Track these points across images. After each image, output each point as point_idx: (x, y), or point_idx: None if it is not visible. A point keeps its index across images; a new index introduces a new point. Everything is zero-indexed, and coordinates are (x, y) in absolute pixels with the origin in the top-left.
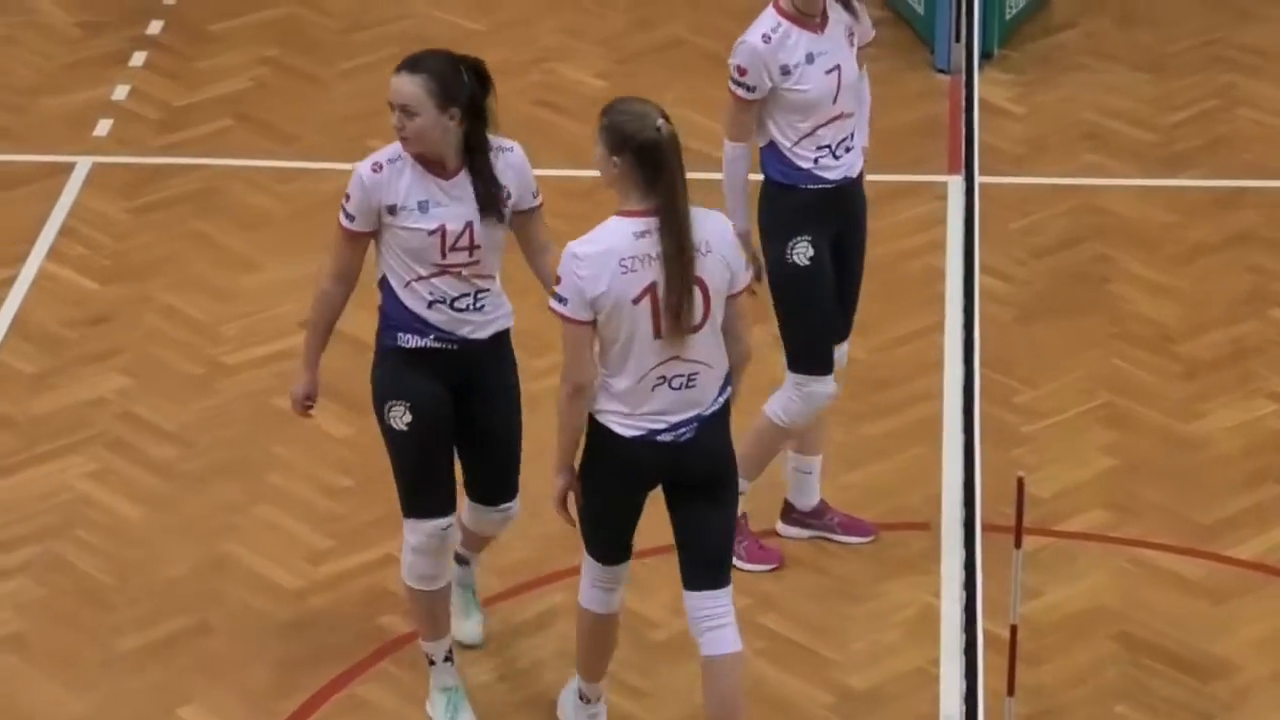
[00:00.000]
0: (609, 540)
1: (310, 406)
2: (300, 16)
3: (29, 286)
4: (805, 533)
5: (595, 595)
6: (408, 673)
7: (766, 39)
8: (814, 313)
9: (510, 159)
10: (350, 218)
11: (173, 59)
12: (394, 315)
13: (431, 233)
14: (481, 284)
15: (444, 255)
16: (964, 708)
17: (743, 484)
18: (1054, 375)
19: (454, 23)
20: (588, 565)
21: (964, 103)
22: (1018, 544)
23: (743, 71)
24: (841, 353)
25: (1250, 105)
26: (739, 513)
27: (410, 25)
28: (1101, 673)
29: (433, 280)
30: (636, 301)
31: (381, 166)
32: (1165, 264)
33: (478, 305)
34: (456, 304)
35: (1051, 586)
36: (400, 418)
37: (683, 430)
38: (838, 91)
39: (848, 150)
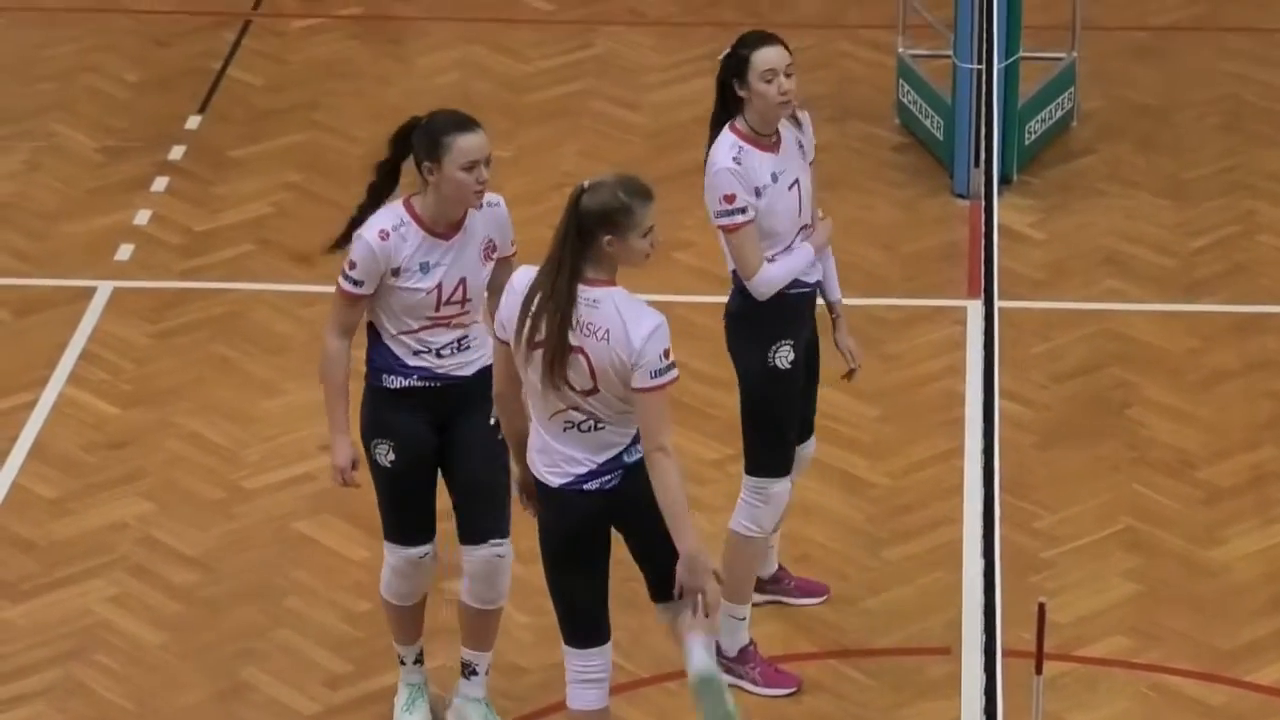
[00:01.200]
0: (580, 617)
1: (355, 471)
2: (322, 142)
3: (50, 411)
4: (762, 598)
5: (579, 693)
6: None
7: (736, 160)
8: (787, 415)
9: (498, 213)
10: (356, 283)
11: (194, 184)
12: (378, 359)
13: (429, 291)
14: (467, 329)
15: (438, 309)
16: None
17: (739, 609)
18: (1074, 500)
19: None
20: (569, 659)
21: (984, 227)
22: (1038, 670)
23: (730, 199)
24: (809, 453)
25: (1271, 231)
26: (747, 640)
27: None
28: None
29: (421, 333)
30: (533, 348)
31: (389, 233)
32: (1186, 389)
33: (462, 348)
34: (441, 352)
35: (1073, 713)
36: (384, 455)
37: (608, 478)
38: (800, 205)
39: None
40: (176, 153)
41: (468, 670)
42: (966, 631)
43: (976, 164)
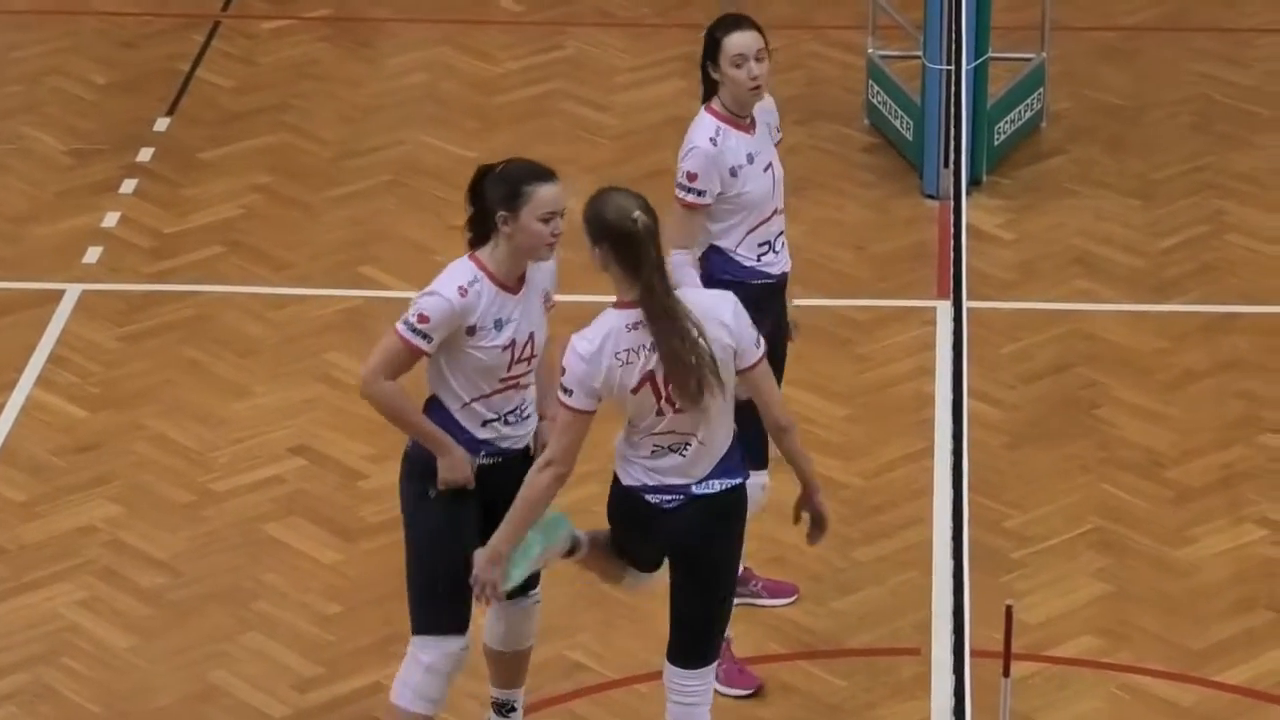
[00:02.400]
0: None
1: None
2: (291, 144)
3: (18, 414)
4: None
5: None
6: None
7: (714, 141)
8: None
9: (549, 265)
10: (427, 338)
11: (163, 186)
12: (449, 433)
13: (505, 349)
14: (525, 391)
15: (510, 369)
16: None
17: None
18: (1044, 501)
19: (446, 150)
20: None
21: (953, 228)
22: (1005, 672)
23: (693, 177)
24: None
25: (1240, 231)
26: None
27: (402, 152)
28: None
29: (493, 398)
30: (635, 391)
31: (467, 290)
32: (1155, 390)
33: (524, 414)
34: (509, 418)
35: (1043, 713)
36: (443, 503)
37: (668, 498)
38: (773, 187)
39: (783, 247)
40: (145, 155)
41: (505, 709)
42: (937, 632)
43: (946, 164)
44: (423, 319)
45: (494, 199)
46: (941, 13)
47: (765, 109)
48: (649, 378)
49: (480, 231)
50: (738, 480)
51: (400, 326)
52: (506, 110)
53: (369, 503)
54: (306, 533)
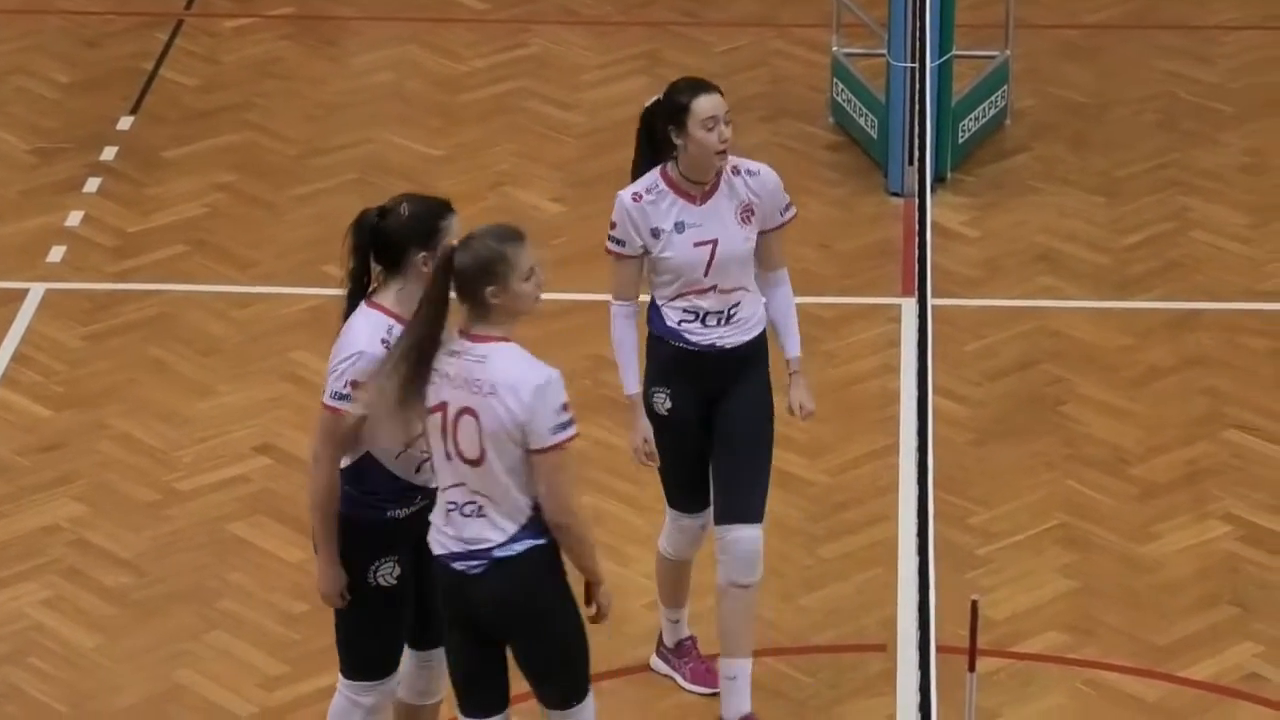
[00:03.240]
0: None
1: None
2: (256, 143)
3: None
4: (662, 667)
5: None
6: None
7: (637, 198)
8: (675, 462)
9: None
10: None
11: (127, 185)
12: (379, 489)
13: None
14: None
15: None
16: None
17: (671, 612)
18: (1009, 497)
19: (411, 148)
20: None
21: (918, 225)
22: (971, 667)
23: (611, 225)
24: (740, 536)
25: (1204, 228)
26: (685, 635)
27: (367, 151)
28: None
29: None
30: (431, 411)
31: (388, 339)
32: (1120, 386)
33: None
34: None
35: (1008, 708)
36: (390, 574)
37: (473, 564)
38: (709, 266)
39: (725, 322)
40: (108, 154)
41: None
42: (902, 628)
43: (910, 162)
44: (355, 385)
45: (409, 239)
46: (906, 10)
47: (765, 189)
48: (441, 408)
49: (362, 283)
50: (535, 534)
51: (330, 401)
52: (472, 108)
53: None
54: (272, 531)
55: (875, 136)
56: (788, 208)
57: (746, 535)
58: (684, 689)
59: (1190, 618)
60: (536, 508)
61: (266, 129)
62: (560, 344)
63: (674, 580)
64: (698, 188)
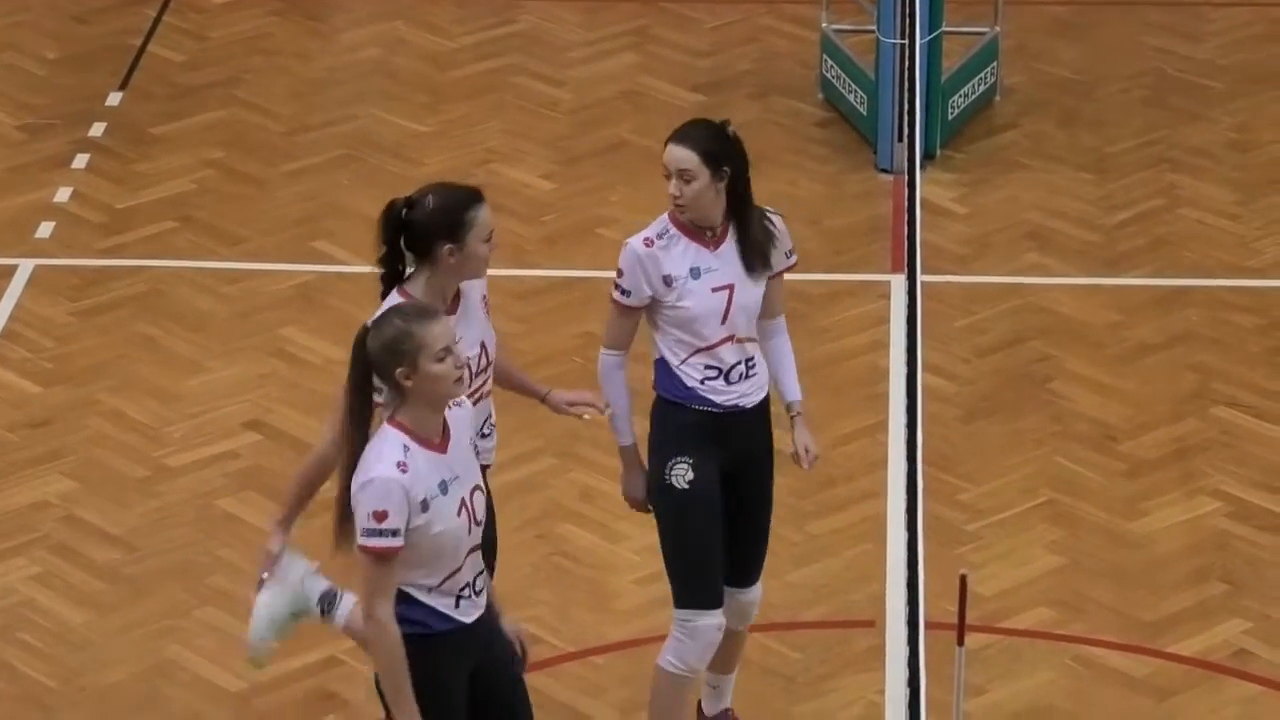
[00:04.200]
0: None
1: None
2: (244, 119)
3: None
4: None
5: None
6: None
7: (649, 243)
8: (696, 541)
9: None
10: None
11: (115, 161)
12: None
13: (459, 368)
14: (491, 400)
15: (471, 383)
16: None
17: (718, 679)
18: (997, 473)
19: (400, 124)
20: None
21: (907, 202)
22: (960, 641)
23: (619, 274)
24: (749, 599)
25: (1192, 205)
26: (728, 704)
27: (356, 127)
28: None
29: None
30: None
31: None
32: (1108, 363)
33: (491, 428)
34: (484, 429)
35: (996, 684)
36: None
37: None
38: (727, 312)
39: (745, 377)
40: (97, 130)
41: None
42: (891, 604)
43: (900, 139)
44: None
45: (435, 233)
46: None
47: (779, 233)
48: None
49: (398, 268)
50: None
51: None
52: (460, 85)
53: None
54: (261, 507)
55: (865, 113)
56: (791, 253)
57: (757, 594)
58: None
59: (1179, 594)
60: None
61: (255, 105)
62: (549, 321)
63: (678, 705)
64: (704, 233)
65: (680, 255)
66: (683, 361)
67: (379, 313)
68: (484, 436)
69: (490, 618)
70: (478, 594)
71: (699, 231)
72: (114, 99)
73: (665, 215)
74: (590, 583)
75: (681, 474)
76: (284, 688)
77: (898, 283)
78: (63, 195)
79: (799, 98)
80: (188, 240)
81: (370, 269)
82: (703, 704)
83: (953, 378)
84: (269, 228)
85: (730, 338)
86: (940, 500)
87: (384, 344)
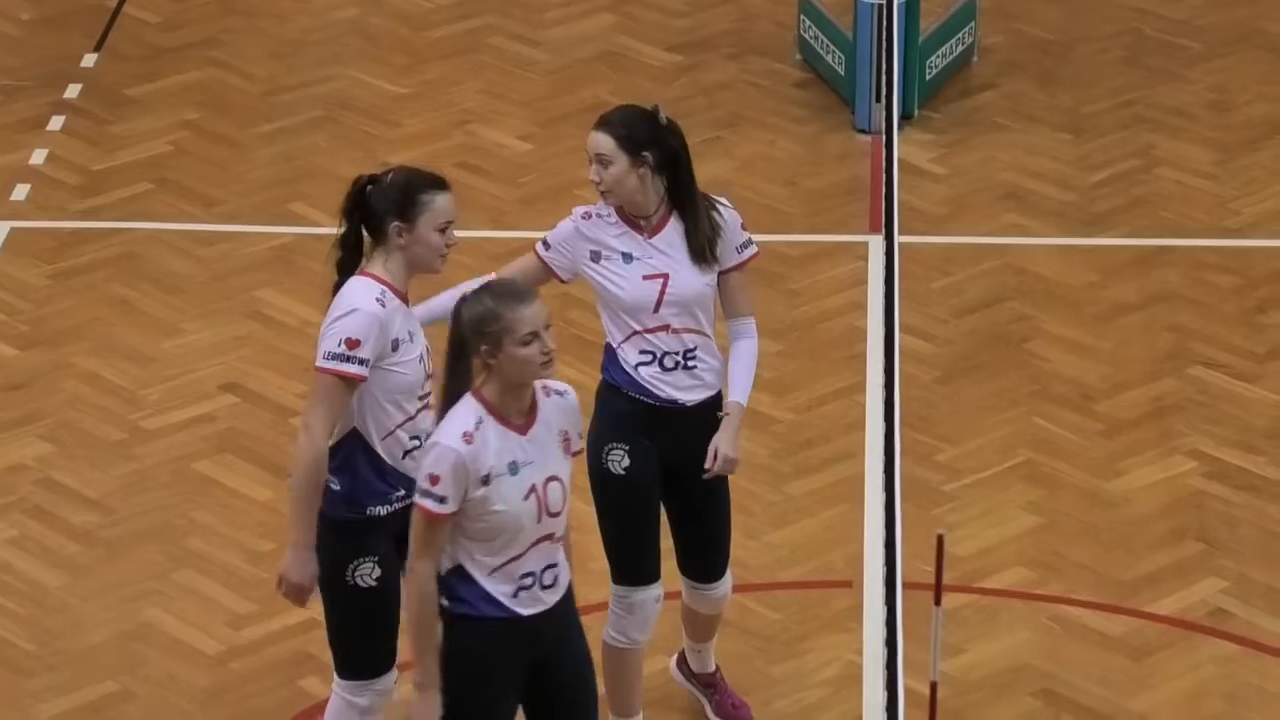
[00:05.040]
0: None
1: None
2: (220, 80)
3: None
4: (689, 686)
5: None
6: None
7: (587, 216)
8: (630, 523)
9: None
10: (362, 363)
11: (91, 123)
12: (365, 482)
13: (420, 360)
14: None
15: (424, 385)
16: None
17: (699, 645)
18: (975, 434)
19: (377, 85)
20: None
21: (885, 163)
22: (937, 601)
23: (554, 230)
24: (717, 595)
25: (1170, 165)
26: (713, 668)
27: (332, 88)
28: None
29: (416, 419)
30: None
31: (383, 300)
32: (1086, 323)
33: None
34: (422, 440)
35: (974, 644)
36: (369, 574)
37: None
38: (659, 302)
39: (682, 368)
40: (72, 91)
41: None
42: (868, 564)
43: (878, 99)
44: (352, 343)
45: (387, 210)
46: None
47: (727, 226)
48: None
49: (354, 251)
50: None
51: (325, 363)
52: (437, 46)
53: None
54: (238, 470)
55: (843, 74)
56: (746, 245)
57: (726, 587)
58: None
59: (1156, 553)
60: (453, 573)
61: (231, 66)
62: None
63: (626, 676)
64: (639, 220)
65: (612, 238)
66: (620, 342)
67: (474, 288)
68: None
69: (564, 614)
70: (545, 588)
71: (633, 219)
72: (89, 60)
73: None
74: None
75: (618, 460)
76: (262, 650)
77: (875, 243)
78: (38, 158)
79: (777, 58)
80: (164, 202)
81: None
82: (689, 662)
83: (930, 338)
84: (245, 190)
85: (665, 327)
86: (918, 461)
87: (470, 322)
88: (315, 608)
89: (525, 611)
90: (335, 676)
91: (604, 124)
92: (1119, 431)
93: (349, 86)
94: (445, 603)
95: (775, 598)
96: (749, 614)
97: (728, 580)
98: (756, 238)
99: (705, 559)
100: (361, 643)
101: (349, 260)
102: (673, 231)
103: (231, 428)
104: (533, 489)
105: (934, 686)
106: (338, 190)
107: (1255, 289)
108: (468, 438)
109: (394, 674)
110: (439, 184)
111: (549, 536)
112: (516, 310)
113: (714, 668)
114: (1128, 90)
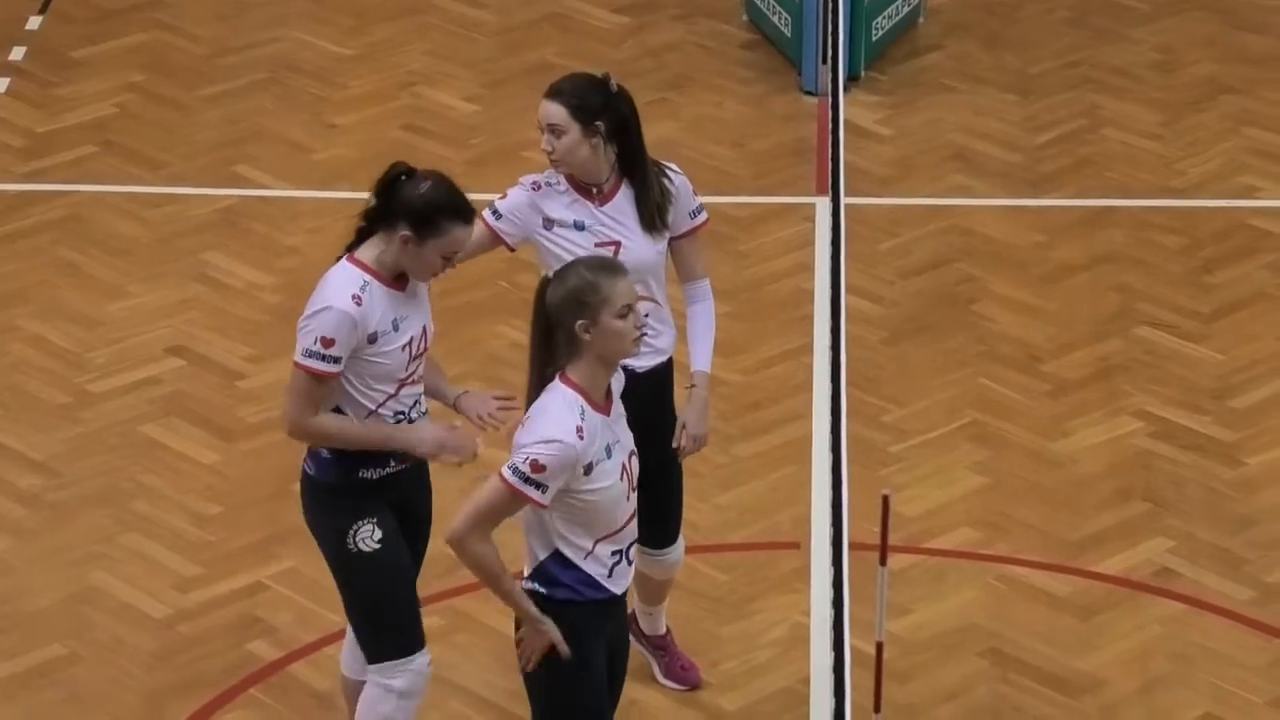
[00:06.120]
0: None
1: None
2: (165, 42)
3: None
4: (639, 647)
5: None
6: (276, 700)
7: (537, 186)
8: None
9: None
10: (335, 360)
11: (36, 86)
12: (350, 451)
13: (404, 348)
14: (421, 386)
15: (407, 368)
16: None
17: (651, 608)
18: (922, 395)
19: (323, 47)
20: None
21: (831, 124)
22: (882, 561)
23: (503, 197)
24: (679, 554)
25: (1115, 125)
26: (664, 630)
27: (278, 50)
28: (971, 689)
29: (399, 395)
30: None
31: (361, 297)
32: (1032, 284)
33: (423, 409)
34: (411, 414)
35: (921, 604)
36: (370, 536)
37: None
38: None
39: (654, 331)
40: (17, 54)
41: None
42: (815, 525)
43: (824, 61)
44: (326, 342)
45: (404, 211)
46: None
47: (679, 192)
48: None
49: (370, 230)
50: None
51: (304, 360)
52: (383, 7)
53: (248, 403)
54: (184, 433)
55: (789, 35)
56: (698, 211)
57: (679, 552)
58: (657, 680)
59: (1102, 513)
60: (551, 560)
61: (176, 28)
62: None
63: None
64: (588, 189)
65: (566, 206)
66: None
67: (562, 266)
68: (410, 420)
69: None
70: (630, 564)
71: (584, 187)
72: (34, 23)
73: (552, 168)
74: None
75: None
76: (209, 613)
77: (822, 205)
78: None
79: (723, 19)
80: (109, 165)
81: (293, 192)
82: (640, 623)
83: (877, 300)
84: (191, 152)
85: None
86: (865, 422)
87: (567, 294)
88: (260, 569)
89: (618, 589)
90: (368, 667)
91: (555, 93)
92: (1065, 392)
93: (294, 48)
94: (543, 590)
95: (723, 559)
96: (697, 575)
97: (680, 545)
98: (703, 199)
99: (658, 525)
100: (381, 614)
101: (364, 232)
102: (624, 199)
103: (178, 390)
104: (623, 468)
105: (880, 647)
106: (283, 152)
107: (1201, 249)
108: (580, 432)
109: (427, 657)
110: (465, 215)
111: (634, 513)
112: (614, 282)
113: (665, 630)
114: (1073, 51)
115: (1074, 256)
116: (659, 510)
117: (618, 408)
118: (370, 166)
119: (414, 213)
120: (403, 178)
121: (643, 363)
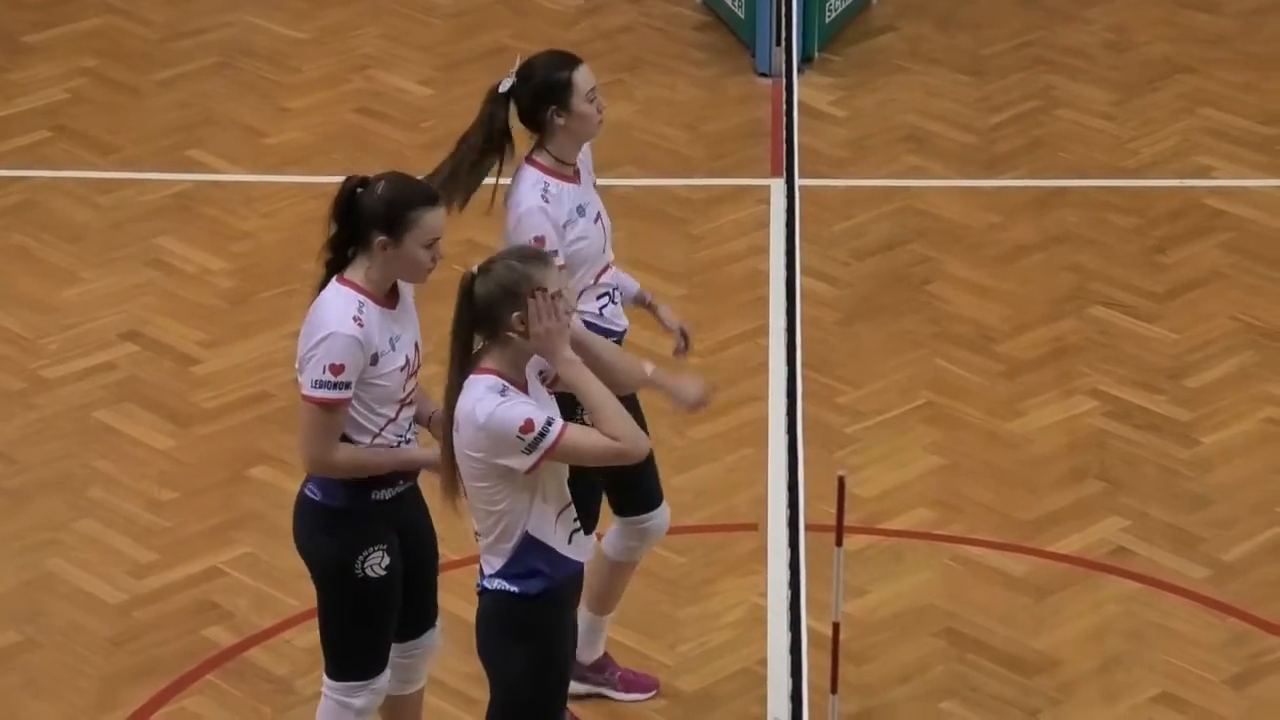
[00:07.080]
0: None
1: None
2: (117, 26)
3: None
4: (584, 687)
5: None
6: (233, 685)
7: (545, 198)
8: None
9: None
10: (347, 386)
11: None
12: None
13: (402, 368)
14: (414, 406)
15: (404, 386)
16: (790, 706)
17: (600, 621)
18: (877, 376)
19: (276, 31)
20: None
21: (785, 106)
22: (839, 542)
23: (541, 242)
24: (662, 519)
25: (1069, 106)
26: (602, 651)
27: (231, 34)
28: (927, 669)
29: (398, 419)
30: None
31: (361, 319)
32: (986, 264)
33: (414, 430)
34: (408, 436)
35: (877, 585)
36: (379, 563)
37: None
38: (605, 239)
39: (615, 301)
40: None
41: None
42: (772, 507)
43: (778, 42)
44: (335, 369)
45: (372, 219)
46: None
47: (585, 155)
48: None
49: (344, 253)
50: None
51: (314, 392)
52: None
53: (202, 388)
54: (139, 419)
55: (743, 16)
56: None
57: (668, 511)
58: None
59: (1057, 493)
60: (514, 554)
61: (128, 12)
62: None
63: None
64: (569, 168)
65: (566, 200)
66: (579, 297)
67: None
68: (407, 442)
69: None
70: (585, 533)
71: (565, 170)
72: None
73: (527, 168)
74: None
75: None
76: (165, 599)
77: (777, 187)
78: None
79: (677, 2)
80: (61, 150)
81: (246, 176)
82: (580, 656)
83: (832, 281)
84: (143, 137)
85: (610, 263)
86: (820, 403)
87: (496, 286)
88: (215, 555)
89: (582, 559)
90: (326, 679)
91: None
92: (1020, 372)
93: (247, 32)
94: (515, 590)
95: (680, 541)
96: (654, 558)
97: (667, 511)
98: (657, 181)
99: (648, 481)
100: (364, 638)
101: (337, 261)
102: (585, 170)
103: (132, 376)
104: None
105: (836, 627)
106: (236, 137)
107: (1154, 229)
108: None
109: (387, 674)
110: (429, 199)
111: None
112: (544, 271)
113: (603, 649)
114: (1027, 31)
115: (1028, 237)
116: (646, 466)
117: (535, 387)
118: (324, 150)
119: (380, 217)
120: (358, 190)
121: (622, 324)
